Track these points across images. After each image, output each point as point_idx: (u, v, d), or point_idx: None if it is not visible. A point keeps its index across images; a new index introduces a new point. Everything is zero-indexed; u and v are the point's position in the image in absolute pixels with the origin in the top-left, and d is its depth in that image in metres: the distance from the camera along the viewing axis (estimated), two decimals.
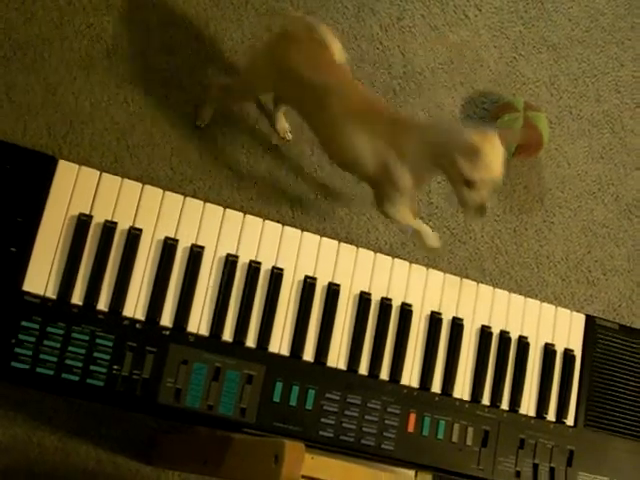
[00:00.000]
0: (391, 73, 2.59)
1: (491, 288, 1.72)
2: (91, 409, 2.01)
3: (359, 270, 1.63)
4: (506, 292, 1.73)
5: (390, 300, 1.63)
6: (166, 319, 1.48)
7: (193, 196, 1.55)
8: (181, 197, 1.54)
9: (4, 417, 1.97)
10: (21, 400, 1.98)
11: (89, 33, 2.28)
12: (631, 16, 2.96)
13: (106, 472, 2.00)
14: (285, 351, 1.54)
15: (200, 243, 1.53)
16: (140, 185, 1.52)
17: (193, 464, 1.74)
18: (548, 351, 1.72)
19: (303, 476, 1.32)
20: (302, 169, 2.38)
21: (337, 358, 1.57)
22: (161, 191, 1.53)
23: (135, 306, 1.47)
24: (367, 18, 2.61)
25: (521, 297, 1.74)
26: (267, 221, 1.59)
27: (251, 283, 1.54)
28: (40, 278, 1.43)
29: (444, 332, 1.65)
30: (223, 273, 1.53)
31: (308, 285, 1.58)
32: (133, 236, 1.49)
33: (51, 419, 1.99)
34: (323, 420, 1.53)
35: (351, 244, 1.64)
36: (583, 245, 2.63)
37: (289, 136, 2.34)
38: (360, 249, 1.65)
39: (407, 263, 1.67)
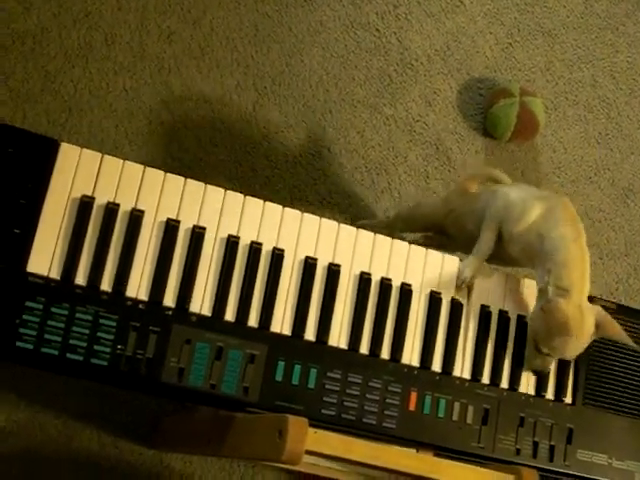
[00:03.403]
0: (387, 60, 2.60)
1: (491, 270, 1.74)
2: (94, 393, 2.02)
3: (359, 251, 1.64)
4: (503, 274, 1.75)
5: (390, 280, 1.64)
6: (169, 299, 1.49)
7: None
8: (182, 179, 1.55)
9: (7, 402, 1.98)
10: (24, 385, 1.99)
11: (87, 22, 2.29)
12: (625, 2, 2.97)
13: (109, 455, 2.01)
14: (287, 331, 1.56)
15: (202, 224, 1.54)
16: (142, 167, 1.53)
17: (196, 445, 1.76)
18: None
19: (307, 450, 1.33)
20: (300, 155, 2.39)
21: (338, 337, 1.59)
22: (163, 173, 1.54)
23: (138, 287, 1.48)
24: (363, 5, 2.62)
25: (517, 279, 1.75)
26: (268, 202, 1.60)
27: (252, 264, 1.55)
28: (44, 259, 1.44)
29: (444, 312, 1.67)
30: (225, 254, 1.54)
31: (309, 266, 1.59)
32: (135, 217, 1.50)
33: (54, 404, 2.00)
34: (325, 399, 1.54)
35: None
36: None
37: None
38: (360, 230, 1.66)
39: (406, 244, 1.68)
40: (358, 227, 2.24)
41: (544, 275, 1.61)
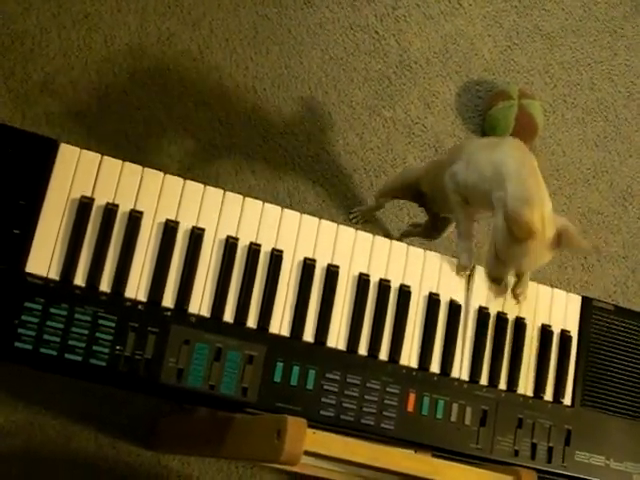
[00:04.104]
0: (386, 62, 2.60)
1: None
2: (92, 394, 2.02)
3: (358, 252, 1.64)
4: None
5: (389, 281, 1.64)
6: (168, 300, 1.49)
7: None
8: (182, 180, 1.55)
9: (6, 403, 1.98)
10: (22, 386, 1.99)
11: (87, 22, 2.30)
12: (624, 5, 2.98)
13: (107, 456, 2.01)
14: (285, 332, 1.56)
15: (201, 225, 1.54)
16: (141, 168, 1.53)
17: (194, 446, 1.76)
18: (545, 332, 1.73)
19: (305, 451, 1.33)
20: (298, 156, 2.39)
21: (337, 339, 1.59)
22: (162, 174, 1.54)
23: (137, 287, 1.48)
24: (362, 7, 2.62)
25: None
26: (267, 204, 1.60)
27: (251, 265, 1.55)
28: (43, 260, 1.44)
29: (442, 313, 1.67)
30: (224, 255, 1.54)
31: (307, 267, 1.59)
32: (134, 218, 1.50)
33: (52, 405, 2.00)
34: (323, 400, 1.54)
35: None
36: (578, 232, 2.64)
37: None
38: (359, 232, 1.66)
39: (405, 245, 1.69)
40: (352, 218, 2.28)
41: (502, 192, 1.59)
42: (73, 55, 2.26)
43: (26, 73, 2.20)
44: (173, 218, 1.53)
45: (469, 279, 1.69)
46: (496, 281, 1.67)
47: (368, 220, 2.40)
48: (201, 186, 1.57)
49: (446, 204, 1.84)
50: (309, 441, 1.33)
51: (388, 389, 1.59)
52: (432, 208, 2.06)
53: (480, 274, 1.70)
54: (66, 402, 2.01)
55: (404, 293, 1.64)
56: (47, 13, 2.26)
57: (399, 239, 2.14)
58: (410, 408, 1.60)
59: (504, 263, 1.62)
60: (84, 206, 1.48)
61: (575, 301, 1.78)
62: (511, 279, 1.70)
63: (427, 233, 2.16)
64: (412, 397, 1.60)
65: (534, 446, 1.67)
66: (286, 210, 1.61)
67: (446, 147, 2.57)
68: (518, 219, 1.54)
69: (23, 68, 2.20)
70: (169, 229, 1.52)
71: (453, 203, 1.77)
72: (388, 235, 2.40)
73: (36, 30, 2.24)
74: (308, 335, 1.57)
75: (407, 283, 1.65)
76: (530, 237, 1.54)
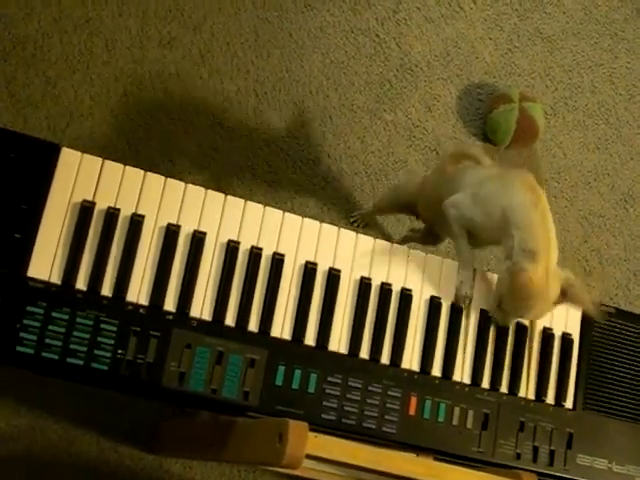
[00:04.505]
0: (387, 65, 2.61)
1: (490, 273, 1.74)
2: (94, 398, 2.02)
3: (359, 256, 1.64)
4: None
5: (390, 285, 1.64)
6: (169, 304, 1.49)
7: None
8: (183, 184, 1.56)
9: (8, 407, 1.98)
10: (24, 391, 2.00)
11: (88, 27, 2.30)
12: (624, 8, 2.98)
13: (109, 460, 2.01)
14: (287, 335, 1.56)
15: (202, 229, 1.54)
16: (142, 172, 1.53)
17: (196, 450, 1.76)
18: (546, 335, 1.73)
19: (307, 455, 1.33)
20: (300, 160, 2.40)
21: (338, 342, 1.59)
22: (163, 178, 1.54)
23: (139, 291, 1.48)
24: (363, 11, 2.63)
25: None
26: (268, 207, 1.60)
27: (253, 269, 1.56)
28: (44, 264, 1.44)
29: (443, 317, 1.67)
30: (225, 259, 1.54)
31: (309, 270, 1.59)
32: (136, 222, 1.50)
33: (54, 409, 2.01)
34: (325, 403, 1.54)
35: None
36: (579, 235, 2.65)
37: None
38: (360, 235, 1.66)
39: (406, 248, 1.69)
40: (352, 222, 2.28)
41: (509, 241, 1.60)
42: (74, 59, 2.26)
43: (28, 78, 2.20)
44: (174, 222, 1.53)
45: (468, 307, 1.69)
46: (500, 323, 1.68)
47: (369, 223, 2.40)
48: (202, 190, 1.57)
49: (444, 226, 1.83)
50: (311, 445, 1.33)
51: (390, 393, 1.59)
52: (430, 226, 2.06)
53: (482, 278, 1.71)
54: (68, 406, 2.02)
55: (405, 297, 1.64)
56: (49, 18, 2.27)
57: (400, 244, 2.14)
58: (412, 411, 1.60)
59: (508, 313, 1.63)
60: (86, 210, 1.48)
61: None
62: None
63: (425, 240, 2.16)
64: (414, 400, 1.60)
65: (536, 449, 1.66)
66: (287, 214, 1.61)
67: (447, 150, 2.57)
68: (521, 276, 1.55)
69: (25, 73, 2.21)
70: (170, 233, 1.52)
71: (455, 233, 1.75)
72: (389, 239, 2.40)
73: (38, 35, 2.25)
74: (310, 339, 1.57)
75: (408, 287, 1.65)
76: (532, 294, 1.55)
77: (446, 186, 1.82)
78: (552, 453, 1.67)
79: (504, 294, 1.61)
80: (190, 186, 1.56)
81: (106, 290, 1.46)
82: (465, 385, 1.65)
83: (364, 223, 2.39)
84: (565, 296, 1.60)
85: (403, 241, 2.33)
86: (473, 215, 1.71)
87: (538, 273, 1.55)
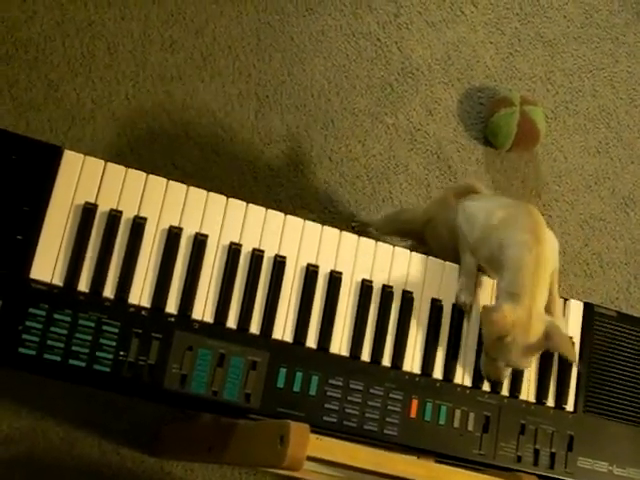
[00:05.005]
0: (388, 69, 2.61)
1: (485, 278, 1.74)
2: (95, 401, 2.02)
3: (360, 258, 1.65)
4: None
5: (391, 287, 1.64)
6: (171, 306, 1.50)
7: None
8: (185, 187, 1.56)
9: (9, 410, 1.99)
10: (26, 393, 2.00)
11: (90, 30, 2.31)
12: (625, 12, 2.99)
13: (111, 463, 2.02)
14: (288, 338, 1.56)
15: (204, 232, 1.55)
16: (144, 175, 1.54)
17: (197, 452, 1.76)
18: None
19: (308, 457, 1.34)
20: (301, 163, 2.40)
21: (340, 345, 1.59)
22: (165, 180, 1.55)
23: (141, 293, 1.49)
24: (364, 15, 2.63)
25: None
26: (270, 210, 1.61)
27: (254, 271, 1.56)
28: (47, 266, 1.45)
29: (445, 319, 1.67)
30: (227, 261, 1.55)
31: (310, 273, 1.60)
32: (138, 225, 1.51)
33: (56, 411, 2.01)
34: (326, 406, 1.54)
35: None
36: (580, 238, 2.65)
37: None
38: (361, 238, 1.67)
39: (407, 251, 1.69)
40: (353, 227, 2.28)
41: (500, 282, 1.61)
42: (77, 63, 2.27)
43: (30, 81, 2.21)
44: (176, 224, 1.54)
45: (469, 313, 1.69)
46: (494, 382, 1.67)
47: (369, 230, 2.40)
48: (204, 192, 1.57)
49: (451, 254, 1.80)
50: (312, 446, 1.33)
51: (391, 395, 1.59)
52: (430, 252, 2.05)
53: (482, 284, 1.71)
54: (69, 409, 2.02)
55: (407, 299, 1.65)
56: (51, 21, 2.27)
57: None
58: (413, 414, 1.60)
59: (495, 360, 1.61)
60: (88, 212, 1.48)
61: (577, 307, 1.78)
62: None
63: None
64: (415, 403, 1.61)
65: (537, 452, 1.67)
66: (289, 216, 1.62)
67: (448, 154, 2.58)
68: (494, 314, 1.56)
69: (27, 76, 2.21)
70: (172, 235, 1.53)
71: (462, 246, 1.75)
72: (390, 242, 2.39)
73: (40, 38, 2.25)
74: (311, 341, 1.57)
75: (409, 289, 1.66)
76: (506, 331, 1.54)
77: (451, 213, 1.84)
78: (553, 456, 1.68)
79: (485, 339, 1.61)
80: (192, 188, 1.56)
81: (108, 292, 1.47)
82: (466, 388, 1.66)
83: (365, 229, 2.39)
84: (548, 341, 1.57)
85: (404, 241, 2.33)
86: (477, 246, 1.70)
87: (517, 312, 1.55)
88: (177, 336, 1.48)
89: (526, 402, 1.69)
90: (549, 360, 1.72)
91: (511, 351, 1.57)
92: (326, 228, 1.64)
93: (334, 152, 2.46)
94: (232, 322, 1.53)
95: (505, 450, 1.65)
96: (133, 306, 1.48)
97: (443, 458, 1.61)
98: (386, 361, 1.61)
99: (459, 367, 1.65)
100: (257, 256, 1.57)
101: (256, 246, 1.58)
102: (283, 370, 1.53)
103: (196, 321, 1.51)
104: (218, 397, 1.48)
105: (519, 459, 1.65)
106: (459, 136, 2.63)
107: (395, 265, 1.67)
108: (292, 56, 2.51)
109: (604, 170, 2.76)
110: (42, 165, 1.48)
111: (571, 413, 1.72)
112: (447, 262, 1.71)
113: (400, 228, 2.17)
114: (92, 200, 1.50)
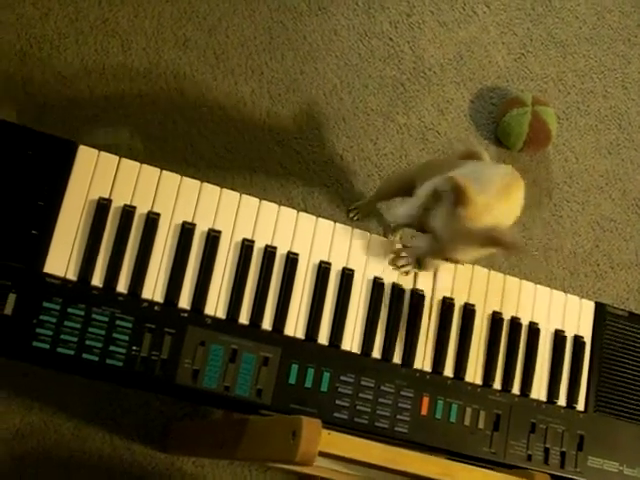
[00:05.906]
0: (400, 69, 2.61)
1: (502, 275, 1.74)
2: (107, 396, 2.03)
3: (372, 256, 1.65)
4: (516, 279, 1.75)
5: (402, 285, 1.65)
6: (184, 301, 1.51)
7: None
8: (198, 183, 1.57)
9: (21, 405, 2.00)
10: (38, 388, 2.01)
11: (104, 28, 2.32)
12: (637, 14, 2.99)
13: (122, 458, 2.02)
14: (300, 334, 1.56)
15: (217, 228, 1.55)
16: (158, 170, 1.55)
17: (209, 449, 1.76)
18: (558, 337, 1.74)
19: (320, 452, 1.34)
20: (313, 161, 2.41)
21: (351, 342, 1.60)
22: (179, 177, 1.56)
23: (154, 288, 1.50)
24: (377, 14, 2.64)
25: (531, 284, 1.76)
26: (282, 207, 1.61)
27: (267, 267, 1.57)
28: (61, 260, 1.45)
29: (456, 318, 1.68)
30: (239, 257, 1.55)
31: (323, 270, 1.60)
32: (151, 220, 1.51)
33: (67, 407, 2.02)
34: (338, 402, 1.55)
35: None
36: (591, 239, 2.65)
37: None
38: (373, 235, 1.67)
39: None
40: (352, 216, 2.30)
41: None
42: (90, 60, 2.28)
43: (44, 78, 2.22)
44: (190, 220, 1.54)
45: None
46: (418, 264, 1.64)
47: (368, 215, 2.38)
48: (218, 189, 1.58)
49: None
50: (324, 442, 1.34)
51: (402, 392, 1.60)
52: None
53: (494, 281, 1.71)
54: (81, 404, 2.03)
55: (417, 297, 1.65)
56: (65, 19, 2.28)
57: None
58: (424, 412, 1.60)
59: (441, 246, 1.56)
60: (102, 207, 1.49)
61: (589, 307, 1.78)
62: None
63: None
64: (426, 401, 1.61)
65: (547, 451, 1.67)
66: (302, 213, 1.62)
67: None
68: (458, 180, 1.49)
69: (41, 73, 2.22)
70: (186, 231, 1.53)
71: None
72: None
73: (54, 35, 2.26)
74: (323, 338, 1.58)
75: (420, 287, 1.66)
76: (466, 203, 1.49)
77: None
78: (563, 455, 1.68)
79: (444, 212, 1.53)
80: (205, 185, 1.57)
81: (122, 287, 1.48)
82: (477, 386, 1.66)
83: (364, 215, 2.37)
84: (493, 231, 1.51)
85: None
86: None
87: (480, 197, 1.50)
88: (190, 331, 1.49)
89: (537, 401, 1.69)
90: (560, 359, 1.72)
91: (459, 229, 1.51)
92: (338, 226, 1.64)
93: (346, 151, 2.46)
94: (244, 318, 1.53)
95: (515, 449, 1.65)
96: (146, 301, 1.48)
97: (453, 456, 1.61)
98: (397, 359, 1.62)
99: (470, 365, 1.66)
100: (270, 253, 1.57)
101: (269, 243, 1.58)
102: (295, 366, 1.54)
103: (209, 316, 1.51)
104: (230, 392, 1.49)
105: (529, 458, 1.65)
106: (471, 136, 2.63)
107: None
108: (304, 55, 2.52)
109: (615, 171, 2.76)
110: (57, 160, 1.49)
111: (582, 412, 1.72)
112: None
113: (394, 187, 2.12)
114: (106, 195, 1.50)
